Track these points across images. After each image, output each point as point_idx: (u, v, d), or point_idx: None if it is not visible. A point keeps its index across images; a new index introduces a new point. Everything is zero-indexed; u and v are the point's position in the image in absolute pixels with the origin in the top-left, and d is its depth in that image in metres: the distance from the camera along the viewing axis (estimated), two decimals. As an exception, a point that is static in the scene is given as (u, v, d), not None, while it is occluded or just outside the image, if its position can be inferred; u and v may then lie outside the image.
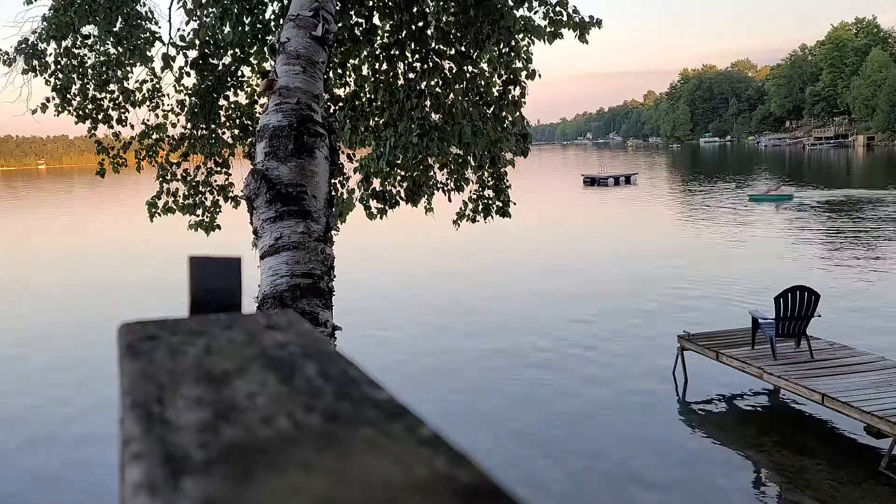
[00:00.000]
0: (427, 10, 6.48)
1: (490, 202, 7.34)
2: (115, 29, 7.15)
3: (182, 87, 7.52)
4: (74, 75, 7.46)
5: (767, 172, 61.89)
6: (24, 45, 7.22)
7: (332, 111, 6.68)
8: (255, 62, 7.18)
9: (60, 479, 8.35)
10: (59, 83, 7.44)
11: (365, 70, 6.96)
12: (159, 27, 7.40)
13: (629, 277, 18.16)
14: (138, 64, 7.45)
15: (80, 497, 7.98)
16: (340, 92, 6.99)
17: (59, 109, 7.59)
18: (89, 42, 7.37)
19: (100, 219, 44.18)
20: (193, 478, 0.35)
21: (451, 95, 6.51)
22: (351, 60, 6.86)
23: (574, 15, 6.33)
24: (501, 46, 6.34)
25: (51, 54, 7.34)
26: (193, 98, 7.36)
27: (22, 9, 7.12)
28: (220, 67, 7.12)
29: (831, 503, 7.03)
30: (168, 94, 7.77)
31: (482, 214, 7.38)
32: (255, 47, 6.96)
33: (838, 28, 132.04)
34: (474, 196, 7.39)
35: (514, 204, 7.35)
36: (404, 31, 6.39)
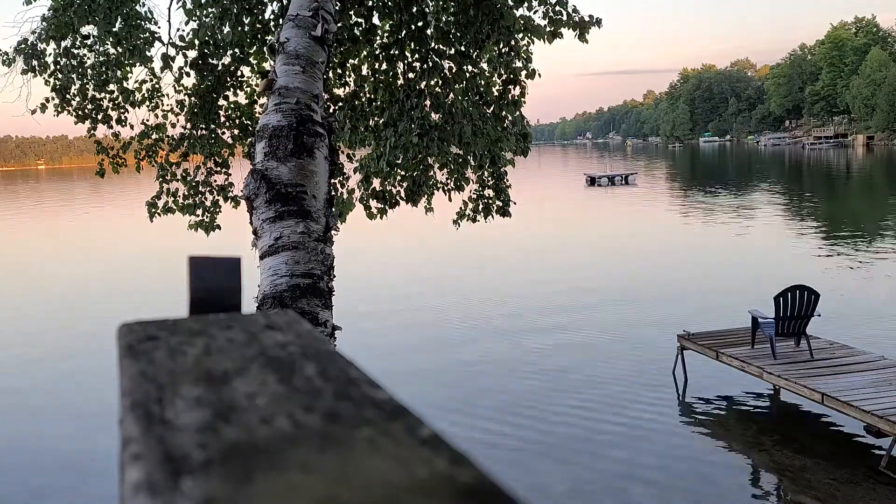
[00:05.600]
0: (427, 9, 6.48)
1: (490, 202, 7.34)
2: (114, 29, 7.15)
3: (182, 87, 7.53)
4: (74, 75, 7.46)
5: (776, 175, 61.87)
6: (23, 46, 7.22)
7: (331, 111, 6.69)
8: (254, 62, 7.18)
9: (60, 480, 8.35)
10: (58, 83, 7.44)
11: (365, 70, 6.97)
12: (159, 27, 7.40)
13: (629, 277, 18.16)
14: (138, 64, 7.45)
15: (80, 498, 7.98)
16: (340, 92, 7.00)
17: (59, 109, 7.59)
18: (89, 42, 7.37)
19: (99, 218, 44.18)
20: (193, 478, 0.35)
21: (451, 95, 6.51)
22: (351, 60, 6.86)
23: (574, 14, 6.33)
24: (501, 46, 6.35)
25: (50, 54, 7.34)
26: (193, 98, 7.36)
27: (22, 9, 7.12)
28: (219, 67, 7.12)
29: (831, 502, 7.03)
30: (168, 94, 7.78)
31: (482, 214, 7.38)
32: (255, 47, 6.96)
33: (838, 27, 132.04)
34: (474, 196, 7.39)
35: (515, 203, 7.35)
36: (404, 31, 6.39)
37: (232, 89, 7.33)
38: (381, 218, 7.31)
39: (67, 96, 7.54)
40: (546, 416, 9.52)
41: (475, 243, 20.84)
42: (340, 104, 6.92)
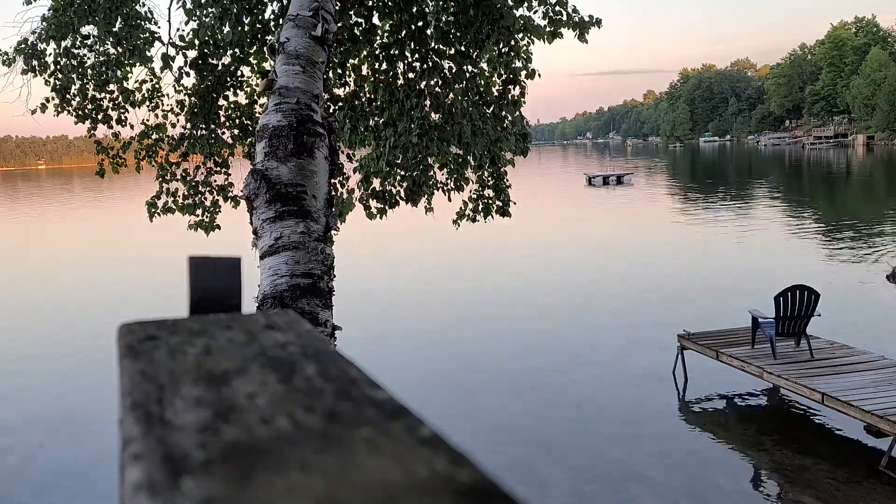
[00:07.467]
0: (427, 9, 6.48)
1: (490, 202, 7.34)
2: (114, 29, 7.15)
3: (182, 87, 7.53)
4: (74, 75, 7.46)
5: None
6: (23, 46, 7.22)
7: (331, 111, 6.69)
8: (254, 62, 7.18)
9: (60, 480, 8.35)
10: (58, 83, 7.44)
11: (365, 70, 6.97)
12: (159, 27, 7.40)
13: (629, 276, 18.16)
14: (138, 64, 7.45)
15: (80, 498, 7.98)
16: (340, 92, 7.00)
17: (59, 109, 7.59)
18: (89, 42, 7.37)
19: (99, 218, 44.17)
20: (193, 478, 0.35)
21: (451, 95, 6.52)
22: (351, 60, 6.87)
23: (574, 14, 6.33)
24: (501, 46, 6.35)
25: (50, 54, 7.34)
26: (193, 98, 7.36)
27: (22, 9, 7.12)
28: (219, 67, 7.12)
29: (831, 502, 7.03)
30: (168, 94, 7.78)
31: (482, 214, 7.39)
32: (255, 47, 6.96)
33: (838, 27, 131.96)
34: (474, 196, 7.40)
35: (514, 203, 7.35)
36: (404, 31, 6.39)
37: (232, 89, 7.33)
38: (381, 218, 7.31)
39: (67, 96, 7.54)
40: (546, 416, 9.52)
41: (475, 243, 20.83)
42: (340, 104, 6.92)
